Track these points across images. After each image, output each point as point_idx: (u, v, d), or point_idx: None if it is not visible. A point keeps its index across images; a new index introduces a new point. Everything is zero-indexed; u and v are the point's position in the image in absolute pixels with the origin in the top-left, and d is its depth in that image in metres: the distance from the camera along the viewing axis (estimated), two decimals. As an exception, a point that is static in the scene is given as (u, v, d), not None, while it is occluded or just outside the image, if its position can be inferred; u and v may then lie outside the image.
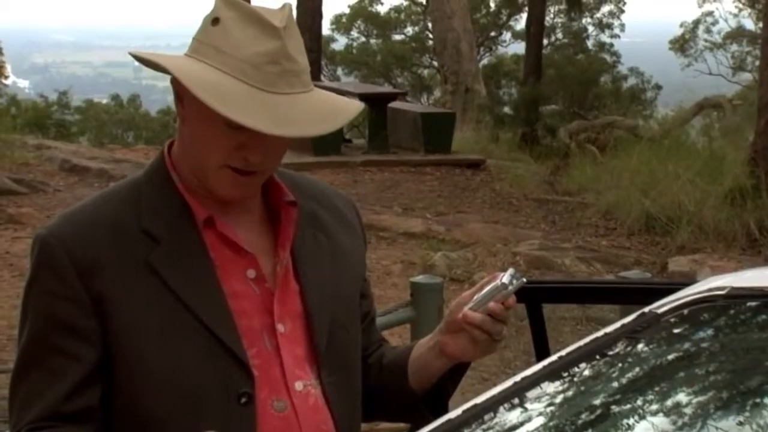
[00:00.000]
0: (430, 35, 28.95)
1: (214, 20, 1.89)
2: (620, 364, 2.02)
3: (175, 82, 1.89)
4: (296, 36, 1.88)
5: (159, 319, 1.86)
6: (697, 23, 34.43)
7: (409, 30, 33.72)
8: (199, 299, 1.87)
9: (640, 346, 2.04)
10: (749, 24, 32.58)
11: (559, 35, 32.02)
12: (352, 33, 33.31)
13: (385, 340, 2.21)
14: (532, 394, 1.91)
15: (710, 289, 2.13)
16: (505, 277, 1.94)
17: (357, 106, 1.96)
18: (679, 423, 1.80)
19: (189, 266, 1.88)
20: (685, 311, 2.10)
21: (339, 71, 31.54)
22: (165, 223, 1.90)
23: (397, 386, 2.07)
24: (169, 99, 2.08)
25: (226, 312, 1.88)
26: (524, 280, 1.96)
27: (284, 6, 1.91)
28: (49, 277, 1.87)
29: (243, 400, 1.86)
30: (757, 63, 18.35)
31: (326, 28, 27.45)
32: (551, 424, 1.88)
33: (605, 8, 32.59)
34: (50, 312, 1.87)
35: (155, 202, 1.92)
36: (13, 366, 1.93)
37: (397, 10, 33.62)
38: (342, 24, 33.16)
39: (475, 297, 1.96)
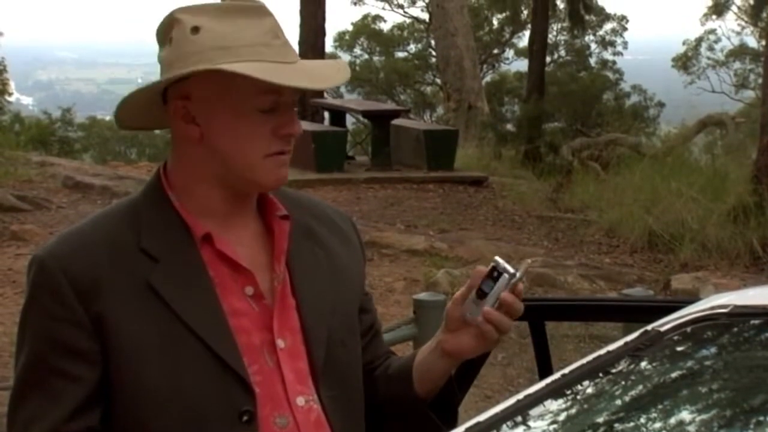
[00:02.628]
0: (433, 52, 29.00)
1: (193, 29, 1.87)
2: (623, 382, 2.01)
3: (184, 104, 1.88)
4: None
5: (159, 338, 1.85)
6: (699, 41, 34.56)
7: (412, 47, 33.82)
8: (200, 318, 1.86)
9: (643, 364, 2.04)
10: (752, 42, 32.69)
11: (562, 52, 32.12)
12: (355, 50, 33.41)
13: (393, 353, 2.20)
14: (535, 411, 1.90)
15: (713, 307, 2.13)
16: (506, 267, 1.95)
17: (345, 64, 2.03)
18: (683, 441, 1.80)
19: (188, 285, 1.87)
20: (688, 329, 2.10)
21: (342, 88, 31.55)
22: (163, 242, 1.89)
23: (404, 394, 2.06)
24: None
25: (227, 330, 1.88)
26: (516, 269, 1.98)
27: None
28: (48, 299, 1.85)
29: (245, 418, 1.86)
30: (760, 80, 18.36)
31: (329, 46, 27.53)
32: (554, 442, 1.87)
33: (608, 26, 32.72)
34: (49, 334, 1.85)
35: (153, 221, 1.91)
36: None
37: (400, 27, 33.73)
38: (345, 41, 33.26)
39: (491, 293, 1.96)
